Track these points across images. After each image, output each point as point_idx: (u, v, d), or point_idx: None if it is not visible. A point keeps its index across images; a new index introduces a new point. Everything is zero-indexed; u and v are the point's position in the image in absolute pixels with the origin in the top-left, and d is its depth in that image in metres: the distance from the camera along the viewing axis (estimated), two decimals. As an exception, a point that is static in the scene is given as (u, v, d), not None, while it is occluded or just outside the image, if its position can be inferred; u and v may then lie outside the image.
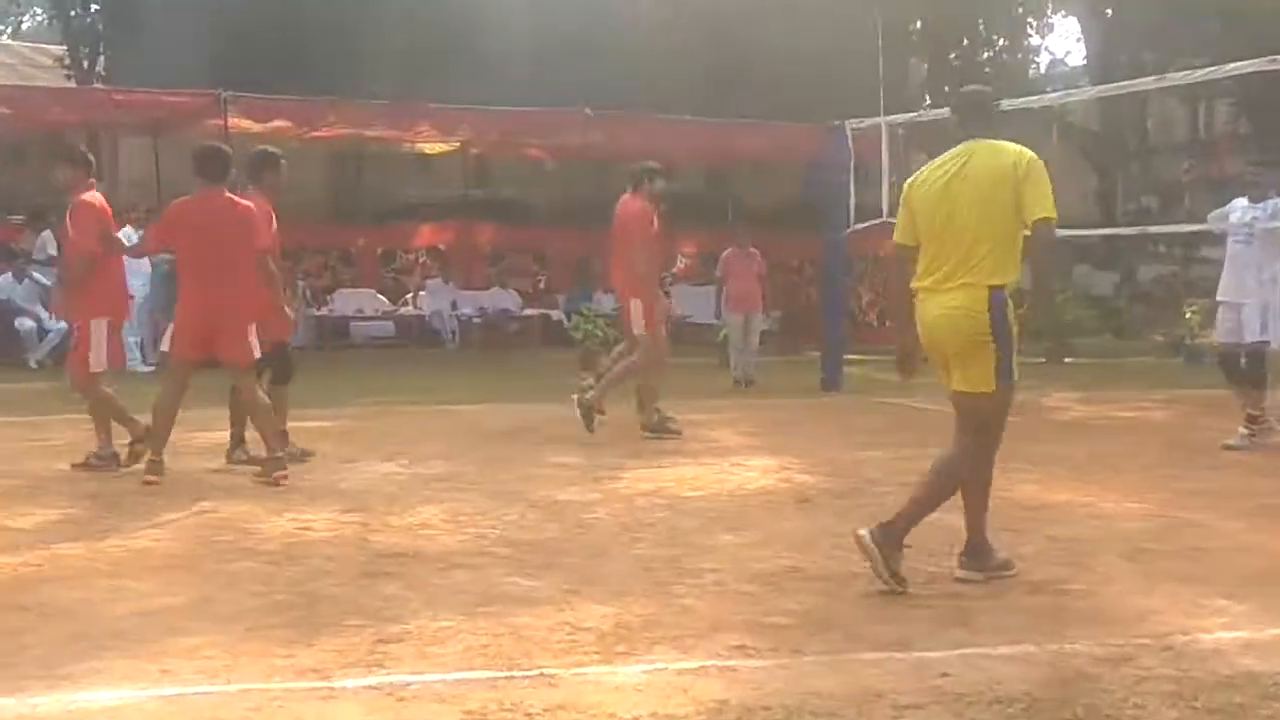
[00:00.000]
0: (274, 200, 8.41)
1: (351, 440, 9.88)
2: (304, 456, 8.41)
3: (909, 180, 5.63)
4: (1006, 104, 13.17)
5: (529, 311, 21.92)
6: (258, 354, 7.88)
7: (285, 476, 7.67)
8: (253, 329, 7.84)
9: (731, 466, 8.68)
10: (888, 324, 20.98)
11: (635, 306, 10.25)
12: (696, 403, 13.05)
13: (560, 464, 8.76)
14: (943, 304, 5.30)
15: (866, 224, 14.42)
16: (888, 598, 5.15)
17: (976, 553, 5.49)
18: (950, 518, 6.53)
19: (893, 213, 16.29)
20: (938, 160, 5.52)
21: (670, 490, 7.68)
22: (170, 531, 6.40)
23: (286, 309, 8.48)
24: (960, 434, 5.46)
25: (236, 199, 7.94)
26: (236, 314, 7.79)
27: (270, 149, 8.62)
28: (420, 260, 23.05)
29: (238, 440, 8.49)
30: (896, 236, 5.62)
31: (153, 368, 16.07)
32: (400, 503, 7.22)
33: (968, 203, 5.29)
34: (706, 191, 30.55)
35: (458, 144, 22.17)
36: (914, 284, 5.43)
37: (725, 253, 15.35)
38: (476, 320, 21.07)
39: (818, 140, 15.66)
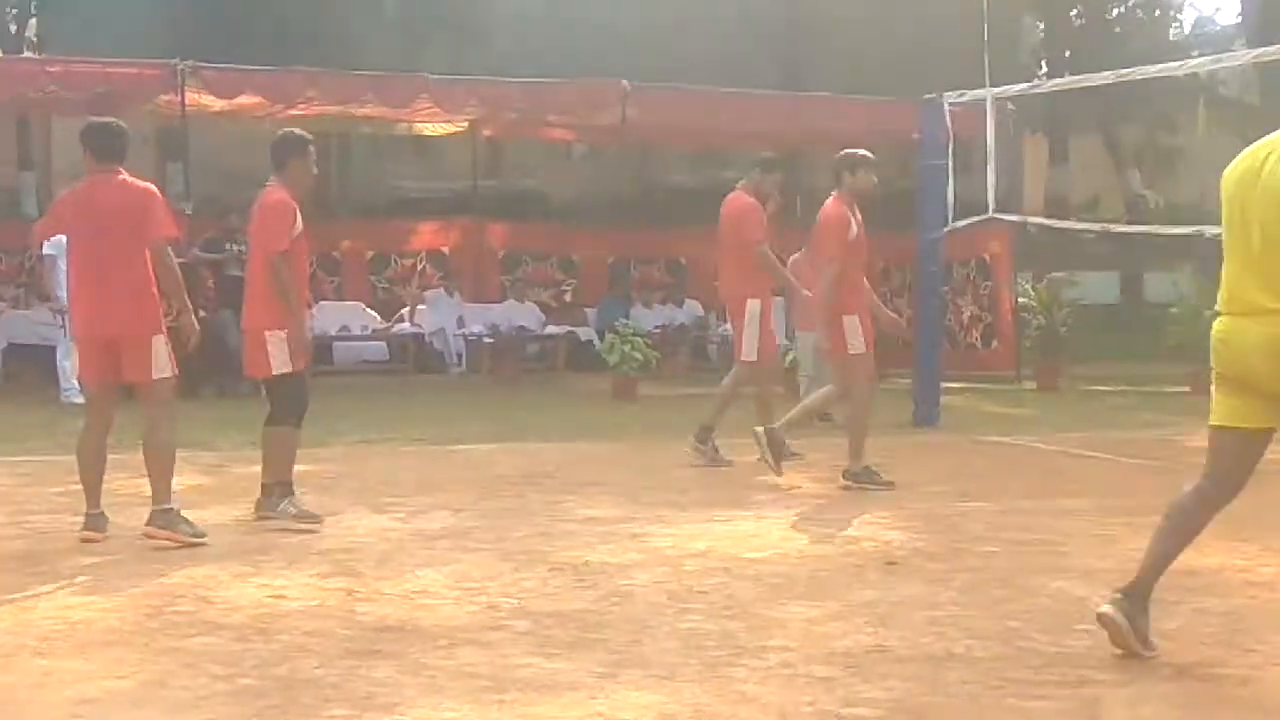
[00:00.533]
0: (301, 193, 8.54)
1: (335, 488, 9.91)
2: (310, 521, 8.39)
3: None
4: (1141, 72, 13.18)
5: (552, 329, 21.98)
6: (167, 372, 7.86)
7: (94, 536, 7.78)
8: (159, 340, 7.81)
9: (802, 521, 8.65)
10: (995, 345, 20.93)
11: (850, 324, 10.38)
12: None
13: (590, 517, 8.76)
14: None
15: (968, 221, 14.39)
16: (996, 685, 5.11)
17: (1135, 595, 5.44)
18: (1072, 587, 6.48)
19: (1002, 207, 16.28)
20: (1257, 145, 5.27)
21: (726, 550, 7.66)
22: (115, 600, 6.44)
23: (275, 332, 8.41)
24: (1217, 473, 5.42)
25: (134, 181, 7.88)
26: (134, 321, 7.74)
27: (296, 131, 8.79)
28: (419, 267, 23.14)
29: (273, 488, 8.51)
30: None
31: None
32: (394, 565, 7.23)
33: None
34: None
35: (465, 124, 22.26)
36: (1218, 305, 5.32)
37: (794, 257, 15.28)
38: (487, 340, 21.13)
39: (909, 118, 15.64)
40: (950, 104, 14.24)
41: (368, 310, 21.87)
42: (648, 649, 5.59)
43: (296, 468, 8.67)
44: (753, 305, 11.34)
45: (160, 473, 7.81)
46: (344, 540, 7.92)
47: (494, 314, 21.85)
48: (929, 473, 10.97)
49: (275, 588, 6.68)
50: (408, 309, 21.88)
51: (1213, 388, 5.46)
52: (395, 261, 23.04)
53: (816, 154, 25.65)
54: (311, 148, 8.63)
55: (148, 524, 7.76)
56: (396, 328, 21.60)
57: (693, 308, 23.40)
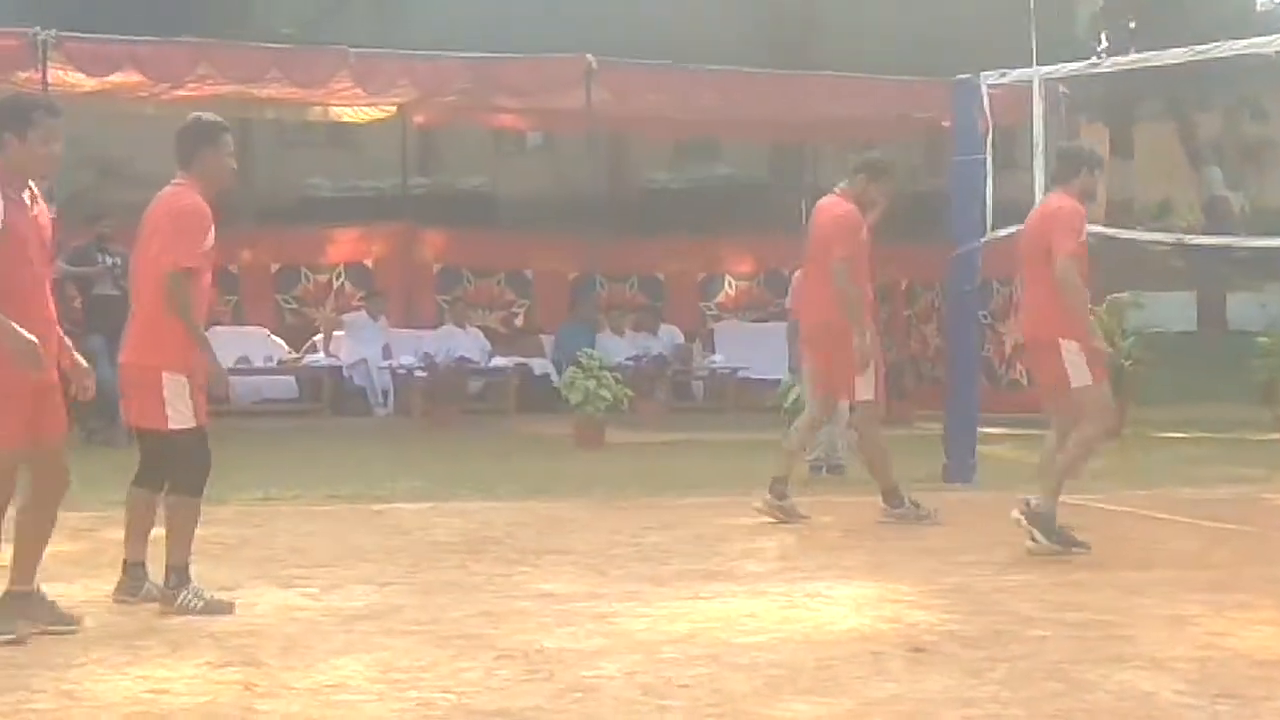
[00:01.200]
0: (213, 193, 8.46)
1: (231, 557, 9.86)
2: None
3: None
4: (1222, 48, 13.26)
5: (500, 361, 21.98)
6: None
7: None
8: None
9: (807, 598, 8.64)
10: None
11: (1072, 351, 10.39)
12: (753, 498, 13.04)
13: (547, 592, 8.74)
14: None
15: (1011, 230, 14.43)
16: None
17: None
18: (1138, 679, 6.51)
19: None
20: None
21: (715, 634, 7.64)
22: (-44, 695, 6.39)
23: (173, 375, 8.27)
24: None
25: None
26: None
27: (206, 116, 8.70)
28: (336, 283, 23.13)
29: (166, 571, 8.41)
30: None
31: None
32: (303, 652, 7.20)
33: None
34: (770, 180, 30.73)
35: (393, 108, 22.30)
36: None
37: (797, 273, 15.29)
38: (420, 374, 21.11)
39: (938, 102, 15.72)
40: (989, 85, 14.30)
41: (272, 337, 21.86)
42: (617, 756, 5.58)
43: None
44: (859, 334, 11.70)
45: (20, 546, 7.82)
46: (242, 621, 7.88)
47: (428, 342, 21.85)
48: (964, 539, 10.97)
49: (156, 680, 6.64)
50: (321, 336, 21.87)
51: None
52: (307, 277, 23.05)
53: (823, 147, 25.80)
54: (228, 135, 8.61)
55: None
56: (308, 359, 21.60)
57: (671, 334, 23.43)
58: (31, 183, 7.45)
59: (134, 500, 8.52)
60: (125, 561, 8.47)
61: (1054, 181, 11.06)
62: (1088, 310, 10.81)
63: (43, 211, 7.59)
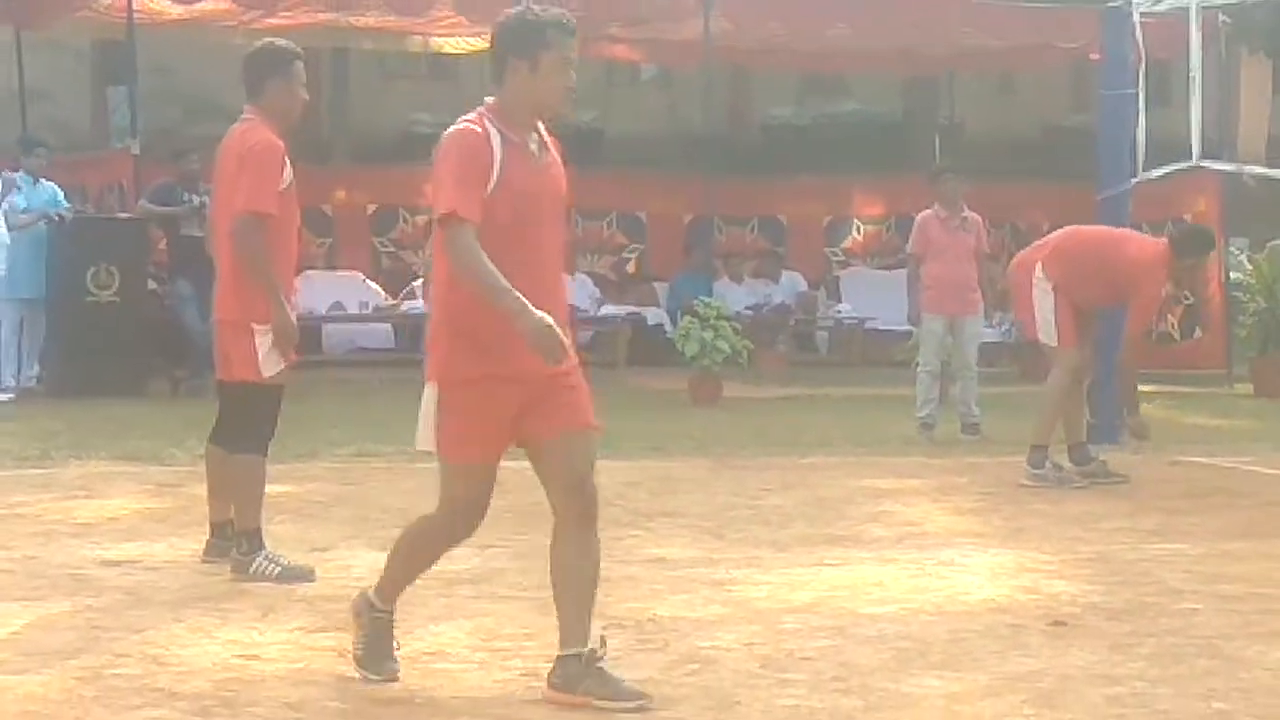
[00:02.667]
0: (285, 128, 8.43)
1: (325, 516, 9.96)
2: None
3: None
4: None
5: (610, 310, 22.02)
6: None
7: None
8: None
9: (939, 566, 8.63)
10: (1198, 334, 20.80)
11: None
12: (881, 461, 13.03)
13: (660, 558, 8.77)
14: None
15: (1165, 169, 14.28)
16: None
17: None
18: None
19: (1209, 151, 16.18)
20: None
21: (839, 603, 7.66)
22: (39, 660, 6.48)
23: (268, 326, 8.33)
24: None
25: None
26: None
27: (277, 42, 8.65)
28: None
29: (236, 536, 8.49)
30: None
31: (11, 395, 16.40)
32: (401, 618, 7.23)
33: None
34: (903, 116, 30.56)
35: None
36: None
37: (921, 216, 15.19)
38: (525, 324, 21.14)
39: (1086, 31, 15.57)
40: (1142, 13, 14.15)
41: (368, 283, 21.96)
42: (734, 733, 5.60)
43: (272, 488, 8.69)
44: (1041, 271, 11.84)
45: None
46: (335, 585, 7.94)
47: (535, 289, 21.87)
48: (1109, 505, 10.92)
49: (246, 645, 6.72)
50: (420, 281, 21.92)
51: None
52: (405, 219, 23.08)
53: (961, 78, 25.62)
54: (299, 64, 8.53)
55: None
56: (406, 305, 21.65)
57: (794, 281, 23.36)
58: (541, 125, 6.44)
59: (213, 458, 8.57)
60: (211, 522, 8.55)
61: None
62: None
63: (556, 161, 6.56)
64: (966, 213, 14.90)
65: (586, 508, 5.99)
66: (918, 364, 14.86)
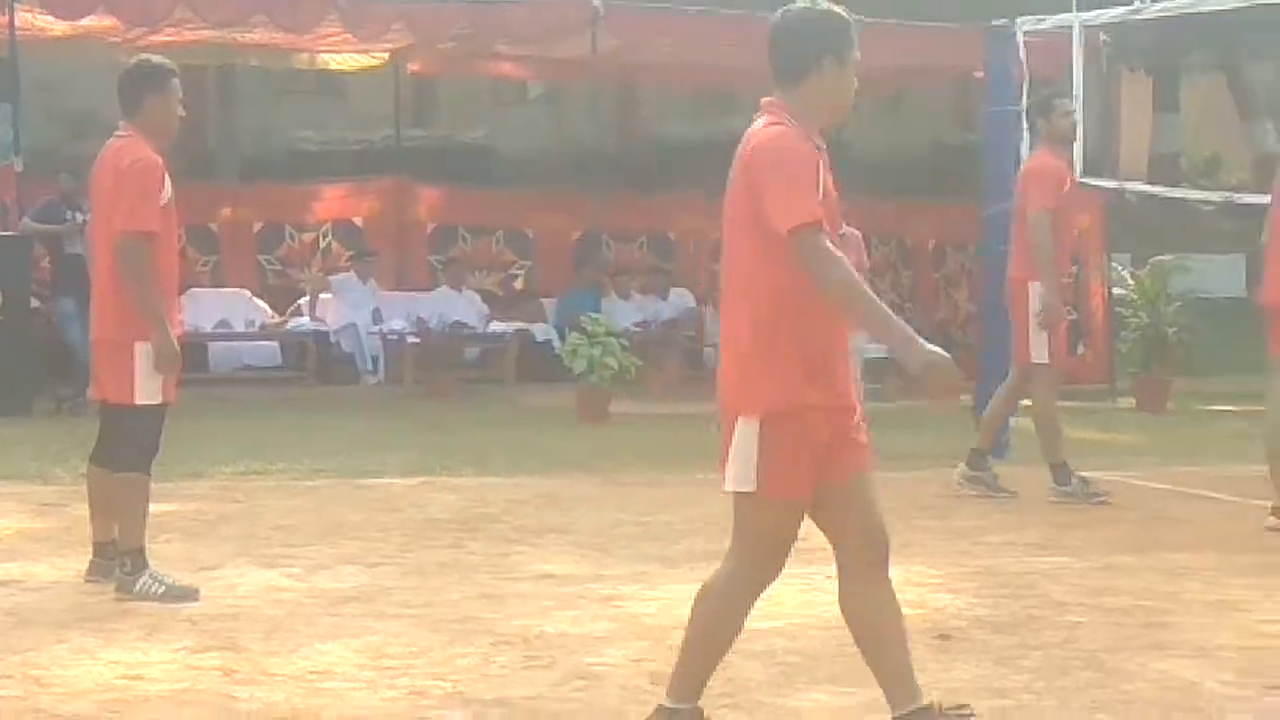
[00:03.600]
0: (163, 144, 8.37)
1: (210, 534, 9.89)
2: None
3: None
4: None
5: (498, 326, 21.99)
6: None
7: None
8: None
9: (827, 580, 8.61)
10: (1082, 349, 20.98)
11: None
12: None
13: (548, 574, 8.76)
14: None
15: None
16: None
17: None
18: (1181, 668, 6.52)
19: (1091, 169, 16.37)
20: None
21: (727, 619, 7.66)
22: (-83, 681, 6.42)
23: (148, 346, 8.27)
24: None
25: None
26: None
27: (152, 59, 8.58)
28: (323, 243, 23.14)
29: (120, 556, 8.42)
30: None
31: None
32: (287, 636, 7.22)
33: None
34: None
35: (385, 55, 22.28)
36: None
37: (845, 229, 15.28)
38: (412, 340, 21.12)
39: (971, 51, 15.67)
40: (1025, 32, 14.29)
41: (255, 300, 21.84)
42: (622, 749, 5.59)
43: (157, 507, 8.63)
44: (1035, 290, 11.87)
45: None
46: (221, 604, 7.90)
47: (421, 306, 21.84)
48: (995, 518, 10.99)
49: (130, 665, 6.67)
50: (307, 299, 21.86)
51: None
52: (292, 236, 23.01)
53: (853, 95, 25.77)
54: (175, 80, 8.48)
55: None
56: (292, 323, 21.60)
57: (682, 298, 23.41)
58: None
59: (94, 477, 8.52)
60: (94, 541, 8.48)
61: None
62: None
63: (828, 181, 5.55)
64: (846, 229, 14.99)
65: (884, 553, 5.79)
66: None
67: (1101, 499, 11.60)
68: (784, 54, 5.64)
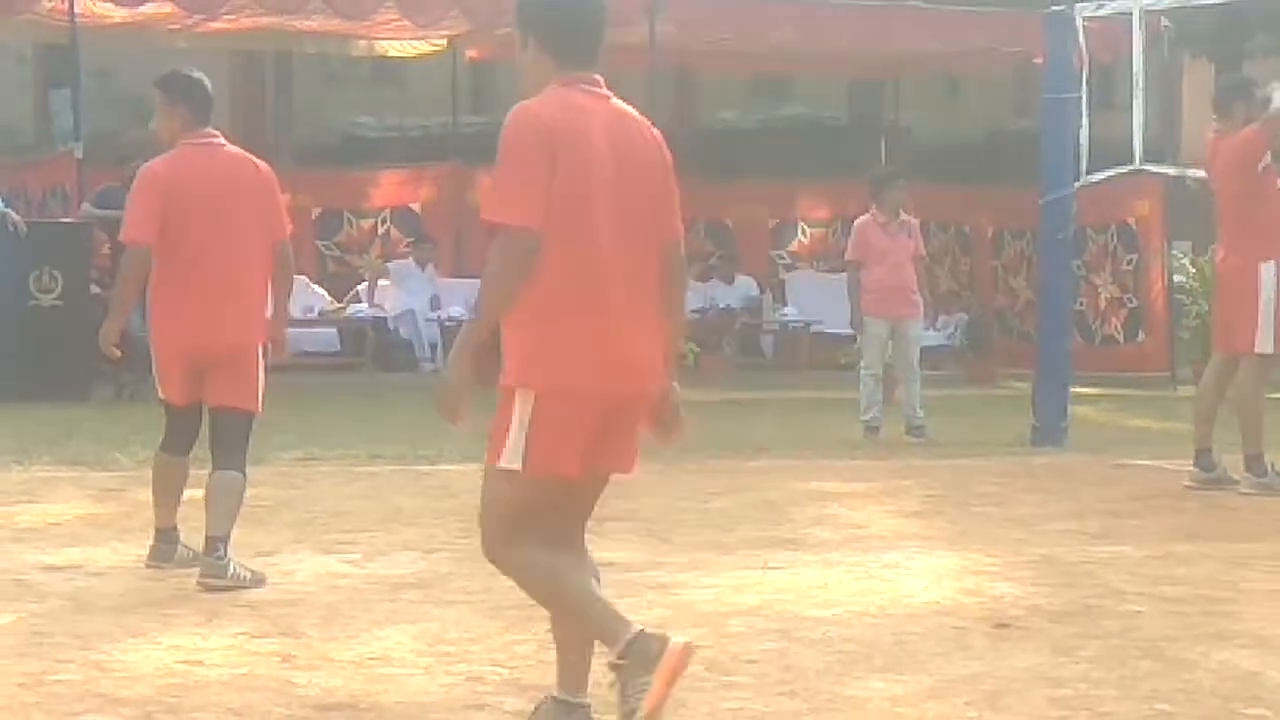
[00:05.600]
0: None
1: (268, 520, 9.92)
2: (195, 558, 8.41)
3: None
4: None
5: (560, 312, 21.95)
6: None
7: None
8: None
9: (884, 568, 8.64)
10: (1141, 337, 20.88)
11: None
12: (827, 464, 13.05)
13: (606, 561, 8.67)
14: None
15: (1108, 173, 14.36)
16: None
17: None
18: (1242, 659, 6.49)
19: (1152, 155, 16.27)
20: None
21: (784, 607, 7.67)
22: (-22, 665, 6.47)
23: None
24: None
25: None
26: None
27: (187, 72, 8.56)
28: (381, 229, 23.19)
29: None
30: None
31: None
32: (345, 622, 7.24)
33: None
34: (849, 119, 30.63)
35: (443, 42, 22.33)
36: None
37: (859, 221, 15.24)
38: (472, 327, 21.10)
39: (1029, 35, 15.61)
40: (1085, 17, 14.21)
41: (313, 287, 21.88)
42: (679, 736, 5.60)
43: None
44: (1267, 271, 11.45)
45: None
46: (280, 590, 7.93)
47: (479, 292, 21.79)
48: (1053, 507, 10.95)
49: (190, 651, 6.70)
50: (365, 285, 21.91)
51: None
52: (350, 222, 23.07)
53: (907, 82, 25.71)
54: (158, 92, 8.52)
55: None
56: (350, 309, 21.64)
57: (747, 285, 23.38)
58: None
59: (162, 465, 8.58)
60: (156, 528, 8.53)
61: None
62: None
63: None
64: (904, 216, 15.02)
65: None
66: (862, 368, 14.92)
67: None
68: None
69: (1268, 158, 11.41)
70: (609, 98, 5.56)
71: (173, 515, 8.45)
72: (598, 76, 5.57)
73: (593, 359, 5.36)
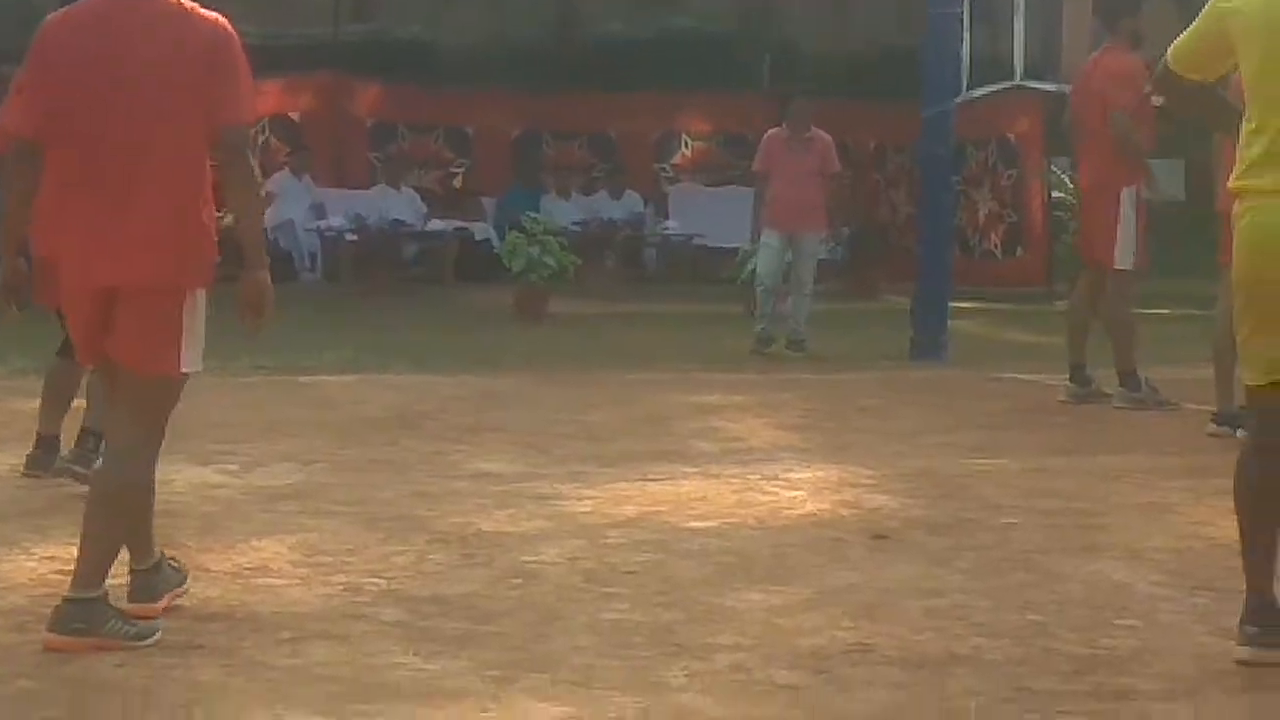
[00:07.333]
0: None
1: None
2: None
3: None
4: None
5: (437, 225, 21.92)
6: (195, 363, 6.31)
7: None
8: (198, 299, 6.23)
9: (763, 481, 8.68)
10: (1020, 252, 21.04)
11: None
12: (708, 377, 13.10)
13: (485, 472, 8.76)
14: None
15: (989, 89, 14.43)
16: (1009, 697, 5.17)
17: (1266, 620, 5.46)
18: (1112, 569, 6.58)
19: (1032, 70, 16.37)
20: None
21: (663, 518, 7.69)
22: None
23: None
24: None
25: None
26: (165, 263, 6.03)
27: None
28: (259, 139, 22.95)
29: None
30: (1174, 61, 5.69)
31: None
32: (223, 533, 7.21)
33: None
34: (735, 32, 30.58)
35: (324, -52, 22.10)
36: (1240, 179, 5.43)
37: (769, 134, 15.35)
38: (350, 238, 21.05)
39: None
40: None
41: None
42: (557, 646, 5.62)
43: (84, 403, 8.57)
44: (1127, 196, 11.48)
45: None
46: (157, 500, 7.87)
47: (360, 204, 21.76)
48: (930, 420, 11.04)
49: (65, 561, 6.62)
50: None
51: (1241, 322, 5.52)
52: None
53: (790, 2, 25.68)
54: None
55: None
56: (227, 220, 21.42)
57: (631, 201, 23.36)
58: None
59: (56, 370, 8.46)
60: (39, 434, 8.45)
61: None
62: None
63: None
64: (812, 132, 15.10)
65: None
66: (756, 280, 15.01)
67: (1172, 406, 11.43)
68: None
69: (1149, 87, 11.46)
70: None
71: (58, 423, 8.37)
72: None
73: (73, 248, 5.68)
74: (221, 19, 5.80)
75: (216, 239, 5.94)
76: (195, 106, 5.73)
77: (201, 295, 5.95)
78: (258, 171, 6.11)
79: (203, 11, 5.78)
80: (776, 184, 14.88)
